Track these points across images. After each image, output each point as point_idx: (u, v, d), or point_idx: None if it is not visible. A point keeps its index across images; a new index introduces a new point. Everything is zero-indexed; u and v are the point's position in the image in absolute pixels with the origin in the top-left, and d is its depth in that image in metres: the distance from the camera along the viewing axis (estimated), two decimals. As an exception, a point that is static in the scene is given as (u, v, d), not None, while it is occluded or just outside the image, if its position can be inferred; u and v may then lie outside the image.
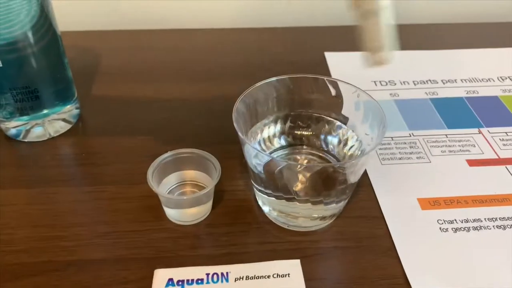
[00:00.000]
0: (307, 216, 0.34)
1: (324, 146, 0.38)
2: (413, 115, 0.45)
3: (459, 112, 0.46)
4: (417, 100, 0.48)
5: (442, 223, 0.35)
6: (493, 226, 0.35)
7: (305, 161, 0.37)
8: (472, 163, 0.40)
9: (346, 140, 0.37)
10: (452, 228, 0.35)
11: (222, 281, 0.31)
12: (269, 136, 0.37)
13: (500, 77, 0.51)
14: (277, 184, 0.33)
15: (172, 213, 0.35)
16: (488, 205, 0.37)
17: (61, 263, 0.32)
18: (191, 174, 0.37)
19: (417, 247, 0.34)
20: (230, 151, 0.38)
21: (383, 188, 0.38)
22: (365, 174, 0.39)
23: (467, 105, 0.47)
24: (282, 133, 0.38)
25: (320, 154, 0.37)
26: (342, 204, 0.35)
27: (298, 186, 0.33)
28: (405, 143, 0.42)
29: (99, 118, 0.45)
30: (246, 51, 0.56)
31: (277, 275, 0.31)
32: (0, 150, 0.41)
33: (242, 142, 0.32)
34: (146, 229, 0.35)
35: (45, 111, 0.41)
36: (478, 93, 0.49)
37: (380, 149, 0.42)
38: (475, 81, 0.50)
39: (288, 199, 0.33)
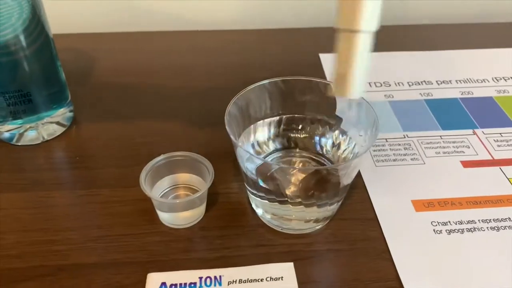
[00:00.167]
0: (301, 218, 0.34)
1: (317, 148, 0.37)
2: (407, 116, 0.45)
3: (454, 113, 0.46)
4: (411, 101, 0.48)
5: (436, 225, 0.35)
6: (487, 227, 0.35)
7: (299, 164, 0.37)
8: (466, 164, 0.40)
9: (340, 142, 0.37)
10: (446, 230, 0.35)
11: (215, 285, 0.31)
12: (262, 139, 0.37)
13: (495, 78, 0.51)
14: (270, 187, 0.33)
15: (165, 217, 0.35)
16: (482, 207, 0.37)
17: (53, 267, 0.32)
18: (184, 177, 0.37)
19: (411, 249, 0.34)
20: (223, 154, 0.38)
21: (377, 190, 0.38)
22: (359, 175, 0.39)
23: (461, 106, 0.47)
24: (275, 135, 0.38)
25: (314, 157, 0.37)
26: (335, 206, 0.34)
27: (291, 189, 0.33)
28: (399, 144, 0.42)
29: (92, 121, 0.45)
30: (241, 53, 0.56)
31: (271, 278, 0.31)
32: (-7, 154, 0.41)
33: (235, 145, 0.32)
34: (139, 232, 0.35)
35: (38, 115, 0.41)
36: (472, 94, 0.49)
37: (374, 150, 0.41)
38: (469, 82, 0.50)
39: (281, 202, 0.33)
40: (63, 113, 0.43)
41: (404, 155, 0.41)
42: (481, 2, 0.63)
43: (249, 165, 0.33)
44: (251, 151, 0.36)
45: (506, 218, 0.36)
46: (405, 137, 0.43)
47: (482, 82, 0.50)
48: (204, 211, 0.36)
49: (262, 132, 0.37)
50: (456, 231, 0.35)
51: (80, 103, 0.46)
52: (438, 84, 0.50)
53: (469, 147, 0.42)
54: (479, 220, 0.36)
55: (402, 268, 0.32)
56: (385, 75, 0.51)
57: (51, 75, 0.41)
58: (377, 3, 0.24)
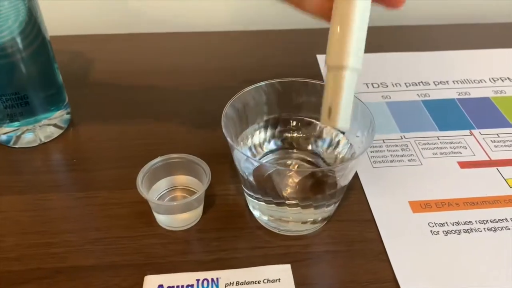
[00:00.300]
0: (298, 220, 0.34)
1: (314, 149, 0.37)
2: (404, 117, 0.45)
3: (451, 114, 0.46)
4: (409, 102, 0.48)
5: (433, 226, 0.35)
6: (484, 228, 0.35)
7: (296, 165, 0.37)
8: (463, 165, 0.40)
9: (337, 143, 0.37)
10: (443, 231, 0.35)
11: (212, 287, 0.31)
12: (259, 141, 0.37)
13: (492, 78, 0.51)
14: (266, 189, 0.33)
15: (162, 219, 0.35)
16: (479, 207, 0.37)
17: (51, 270, 0.32)
18: (181, 179, 0.37)
19: (408, 251, 0.34)
20: (221, 155, 0.38)
21: (374, 191, 0.38)
22: (356, 177, 0.39)
23: (458, 107, 0.47)
24: (272, 137, 0.38)
25: (311, 158, 0.37)
26: (332, 207, 0.35)
27: (288, 191, 0.33)
28: (396, 145, 0.42)
29: (90, 123, 0.45)
30: (239, 54, 0.56)
31: (268, 280, 0.31)
32: (-10, 157, 0.41)
33: (231, 147, 0.32)
34: (136, 235, 0.35)
35: (35, 117, 0.41)
36: (470, 94, 0.49)
37: (371, 152, 0.42)
38: (467, 83, 0.50)
39: (278, 204, 0.33)
40: (60, 115, 0.43)
41: (401, 156, 0.41)
42: (477, 3, 0.64)
43: (246, 167, 0.33)
44: (248, 152, 0.36)
45: (503, 219, 0.36)
46: (402, 138, 0.43)
47: (479, 82, 0.50)
48: (201, 213, 0.36)
49: (259, 133, 0.37)
50: (453, 232, 0.35)
51: (77, 105, 0.46)
52: (435, 84, 0.50)
53: (466, 148, 0.42)
54: (476, 221, 0.36)
55: (399, 269, 0.32)
56: (382, 76, 0.51)
57: (48, 77, 0.41)
58: (362, 43, 0.27)
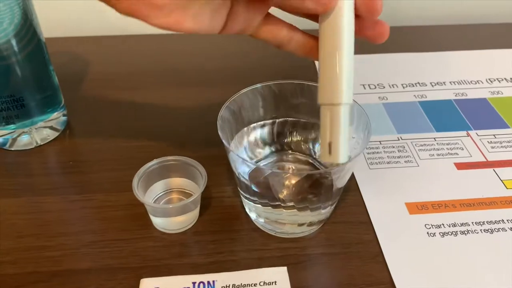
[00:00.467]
0: (294, 222, 0.34)
1: (311, 151, 0.37)
2: (401, 118, 0.45)
3: (448, 115, 0.46)
4: (405, 103, 0.48)
5: (430, 228, 0.35)
6: (481, 230, 0.35)
7: (292, 167, 0.37)
8: (460, 166, 0.40)
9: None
10: (439, 233, 0.35)
11: (208, 290, 0.31)
12: (255, 143, 0.37)
13: (489, 79, 0.51)
14: (262, 191, 0.33)
15: (158, 222, 0.35)
16: (476, 209, 0.37)
17: (46, 273, 0.32)
18: (177, 181, 0.37)
19: (404, 253, 0.34)
20: (217, 157, 0.38)
21: (371, 192, 0.38)
22: (353, 178, 0.39)
23: (455, 108, 0.47)
24: (268, 139, 0.38)
25: (307, 160, 0.37)
26: (329, 209, 0.34)
27: (284, 193, 0.33)
28: (393, 147, 0.42)
29: (86, 125, 0.45)
30: (235, 56, 0.55)
31: (264, 283, 0.31)
32: (-14, 159, 0.41)
33: (227, 150, 0.32)
34: (132, 237, 0.35)
35: (31, 119, 0.41)
36: (466, 95, 0.49)
37: (368, 153, 0.41)
38: (463, 83, 0.50)
39: (274, 206, 0.33)
40: (56, 118, 0.43)
41: (398, 157, 0.41)
42: (476, 3, 0.64)
43: (242, 169, 0.33)
44: (244, 155, 0.36)
45: (499, 220, 0.36)
46: (399, 139, 0.43)
47: (476, 83, 0.50)
48: (198, 215, 0.36)
49: (255, 135, 0.37)
50: (450, 233, 0.35)
51: (74, 107, 0.46)
52: (432, 85, 0.50)
53: (463, 149, 0.42)
54: (472, 223, 0.36)
55: (396, 271, 0.32)
56: (379, 77, 0.51)
57: (44, 79, 0.41)
58: (352, 75, 0.27)
